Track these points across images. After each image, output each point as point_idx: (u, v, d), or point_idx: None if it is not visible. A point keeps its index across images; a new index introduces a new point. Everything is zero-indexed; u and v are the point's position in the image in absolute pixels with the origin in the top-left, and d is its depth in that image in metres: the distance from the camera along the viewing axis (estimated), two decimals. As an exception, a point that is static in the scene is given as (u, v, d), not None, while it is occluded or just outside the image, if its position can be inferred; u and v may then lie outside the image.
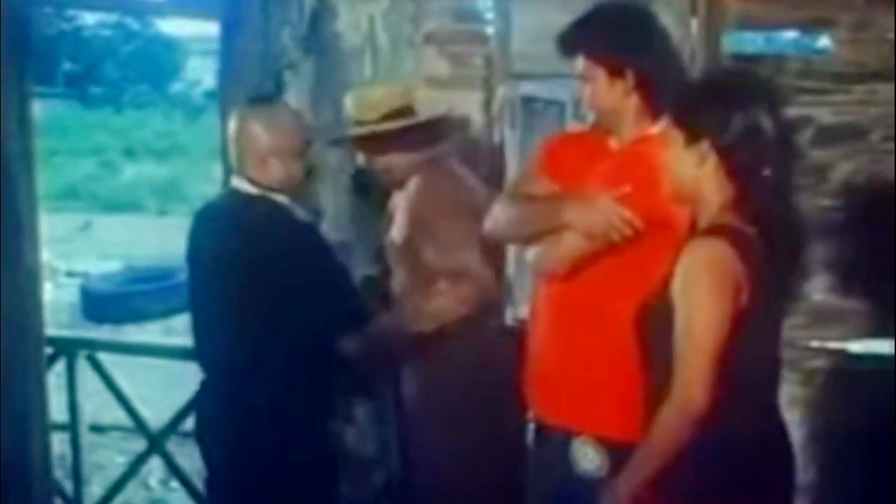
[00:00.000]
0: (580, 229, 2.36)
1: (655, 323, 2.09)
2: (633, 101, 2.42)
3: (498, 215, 2.61)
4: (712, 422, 2.00)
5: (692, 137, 2.10)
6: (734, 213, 2.10)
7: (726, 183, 2.10)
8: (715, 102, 2.10)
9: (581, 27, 2.45)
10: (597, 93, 2.44)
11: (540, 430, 2.61)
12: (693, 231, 2.15)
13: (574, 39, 2.46)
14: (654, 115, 2.37)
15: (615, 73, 2.41)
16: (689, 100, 2.16)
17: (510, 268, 3.39)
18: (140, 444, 4.10)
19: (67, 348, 3.92)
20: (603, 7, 2.47)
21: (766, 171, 2.08)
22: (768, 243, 2.09)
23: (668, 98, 2.23)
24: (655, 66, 2.41)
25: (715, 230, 2.09)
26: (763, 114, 2.08)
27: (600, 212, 2.33)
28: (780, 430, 2.18)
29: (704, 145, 2.08)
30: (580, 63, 2.45)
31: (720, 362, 2.00)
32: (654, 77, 2.39)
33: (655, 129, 2.35)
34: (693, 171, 2.11)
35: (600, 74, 2.42)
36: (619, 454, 2.25)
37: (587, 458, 2.42)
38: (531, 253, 2.50)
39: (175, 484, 4.47)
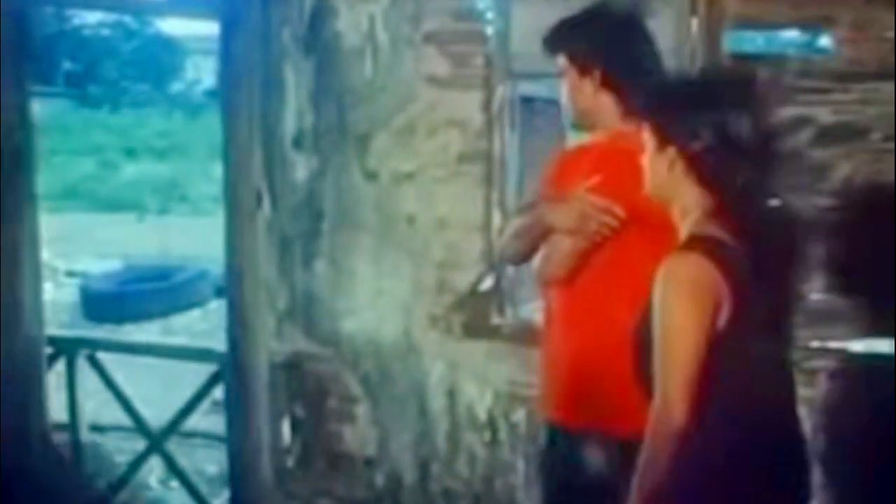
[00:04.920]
0: (563, 228, 2.43)
1: (647, 338, 2.08)
2: (604, 100, 2.51)
3: (502, 238, 2.71)
4: (720, 434, 2.00)
5: (661, 142, 2.09)
6: (715, 222, 2.07)
7: (701, 190, 2.08)
8: (684, 108, 2.09)
9: (560, 27, 2.57)
10: (569, 89, 2.56)
11: (552, 429, 2.63)
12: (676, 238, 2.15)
13: (552, 38, 2.58)
14: (626, 113, 2.45)
15: (584, 71, 2.51)
16: (659, 104, 2.15)
17: (510, 268, 3.40)
18: (140, 444, 4.10)
19: (67, 348, 3.92)
20: (586, 9, 2.58)
21: (742, 179, 2.06)
22: (754, 251, 2.06)
23: (640, 101, 2.24)
24: (625, 67, 2.48)
25: (692, 243, 2.05)
26: (736, 121, 2.05)
27: (575, 205, 2.41)
28: (795, 437, 2.17)
29: (672, 151, 2.07)
30: (559, 61, 2.56)
31: (708, 376, 1.99)
32: (622, 77, 2.47)
33: (628, 126, 2.41)
34: (665, 176, 2.10)
35: (572, 72, 2.53)
36: (630, 454, 2.26)
37: (598, 457, 2.44)
38: (533, 264, 2.57)
39: (175, 483, 4.47)
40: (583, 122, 2.60)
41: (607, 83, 2.49)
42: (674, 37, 3.06)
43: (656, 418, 2.00)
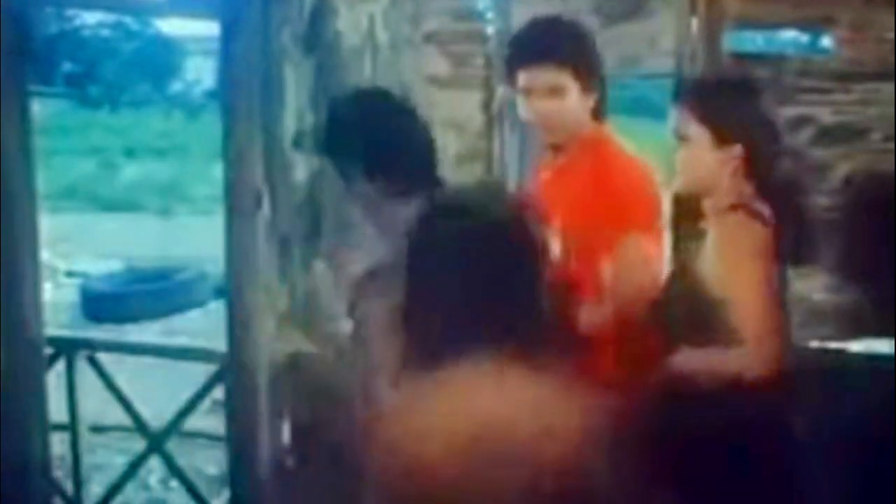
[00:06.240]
0: None
1: (678, 292, 2.22)
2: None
3: None
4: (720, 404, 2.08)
5: (722, 140, 2.18)
6: (749, 197, 2.25)
7: (742, 181, 2.24)
8: (740, 104, 2.22)
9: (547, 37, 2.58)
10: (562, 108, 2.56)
11: None
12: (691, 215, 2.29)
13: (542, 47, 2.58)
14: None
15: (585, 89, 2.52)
16: (719, 102, 2.26)
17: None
18: (140, 444, 4.09)
19: (67, 348, 3.92)
20: (539, 20, 2.62)
21: (779, 171, 2.20)
22: (780, 234, 2.20)
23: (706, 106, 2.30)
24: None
25: (736, 208, 2.23)
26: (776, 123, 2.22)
27: None
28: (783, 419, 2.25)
29: (736, 150, 2.18)
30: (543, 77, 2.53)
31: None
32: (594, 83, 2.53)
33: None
34: (714, 169, 2.22)
35: (574, 89, 2.52)
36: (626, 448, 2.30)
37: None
38: None
39: (175, 484, 4.47)
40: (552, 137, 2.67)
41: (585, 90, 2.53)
42: (674, 37, 3.07)
43: (752, 351, 2.20)
